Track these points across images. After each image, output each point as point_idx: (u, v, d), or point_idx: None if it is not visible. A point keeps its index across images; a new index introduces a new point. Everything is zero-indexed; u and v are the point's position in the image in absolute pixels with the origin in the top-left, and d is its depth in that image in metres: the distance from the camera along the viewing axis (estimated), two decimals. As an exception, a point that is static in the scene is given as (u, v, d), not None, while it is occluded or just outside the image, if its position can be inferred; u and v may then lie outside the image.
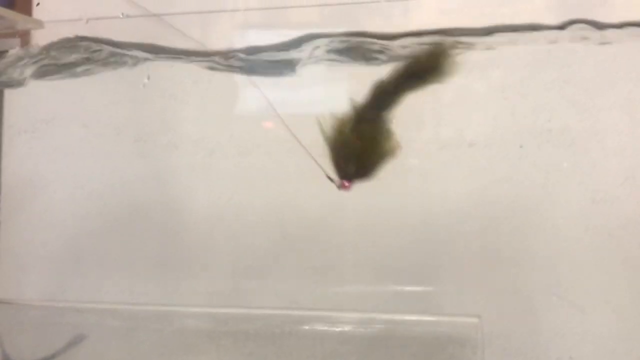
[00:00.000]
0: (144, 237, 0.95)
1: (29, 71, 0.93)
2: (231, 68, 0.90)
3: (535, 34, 0.78)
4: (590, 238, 0.81)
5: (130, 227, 0.95)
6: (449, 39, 0.68)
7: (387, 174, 0.85)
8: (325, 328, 0.85)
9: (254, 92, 0.91)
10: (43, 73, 0.94)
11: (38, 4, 0.95)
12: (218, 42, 0.91)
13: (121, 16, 0.89)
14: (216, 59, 0.90)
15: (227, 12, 0.92)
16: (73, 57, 0.93)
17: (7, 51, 0.94)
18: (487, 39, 0.81)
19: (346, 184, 0.63)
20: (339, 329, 0.85)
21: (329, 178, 0.63)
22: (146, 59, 0.92)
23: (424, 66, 0.66)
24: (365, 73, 0.87)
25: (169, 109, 0.93)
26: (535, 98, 0.80)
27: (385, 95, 0.65)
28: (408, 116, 0.86)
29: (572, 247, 0.82)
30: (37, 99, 0.96)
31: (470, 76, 0.82)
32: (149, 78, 0.92)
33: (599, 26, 0.76)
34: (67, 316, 0.91)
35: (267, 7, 0.90)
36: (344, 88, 0.90)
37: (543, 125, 0.80)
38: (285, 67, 0.87)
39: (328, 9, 0.87)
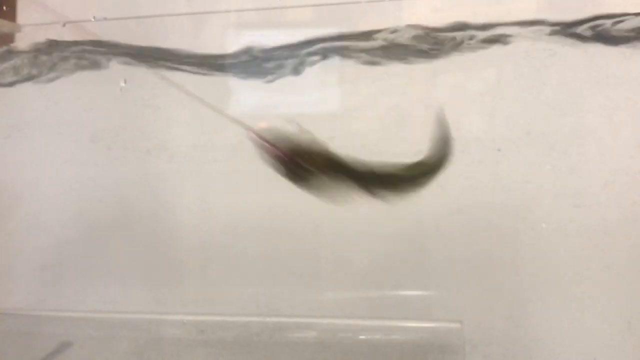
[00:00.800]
0: (123, 244, 0.94)
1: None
2: (210, 71, 0.89)
3: (513, 35, 0.77)
4: (572, 243, 0.80)
5: (108, 235, 0.94)
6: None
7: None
8: (304, 335, 0.84)
9: (234, 95, 0.90)
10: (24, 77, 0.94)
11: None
12: (203, 44, 0.89)
13: (93, 19, 0.88)
14: (195, 61, 0.89)
15: (215, 14, 0.91)
16: (46, 62, 0.92)
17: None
18: (468, 41, 0.80)
19: (282, 155, 0.64)
20: (318, 336, 0.84)
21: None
22: (123, 63, 0.91)
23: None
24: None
25: (145, 113, 0.91)
26: (513, 101, 0.79)
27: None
28: (385, 122, 0.85)
29: (554, 252, 0.80)
30: (9, 105, 0.95)
31: (448, 80, 0.80)
32: (125, 82, 0.91)
33: (577, 27, 0.74)
34: (46, 325, 0.91)
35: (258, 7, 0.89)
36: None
37: (522, 128, 0.78)
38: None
39: (320, 9, 0.85)
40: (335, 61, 0.85)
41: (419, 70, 0.82)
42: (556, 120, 0.77)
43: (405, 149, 0.83)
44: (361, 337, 0.84)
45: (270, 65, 0.86)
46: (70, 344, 0.88)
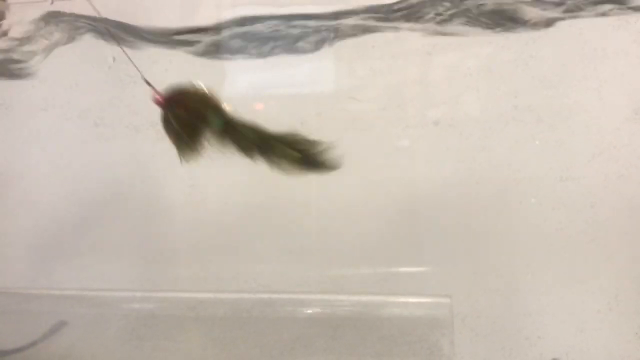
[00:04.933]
0: (114, 222, 0.94)
1: None
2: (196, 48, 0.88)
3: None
4: (558, 216, 0.80)
5: (100, 213, 0.94)
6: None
7: (358, 156, 0.85)
8: (295, 311, 0.84)
9: (227, 74, 0.89)
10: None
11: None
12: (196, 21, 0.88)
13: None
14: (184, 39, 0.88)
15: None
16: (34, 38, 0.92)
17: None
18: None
19: (159, 98, 0.62)
20: (308, 312, 0.84)
21: (147, 82, 0.62)
22: (113, 40, 0.90)
23: None
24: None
25: (136, 91, 0.90)
26: (500, 75, 0.78)
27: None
28: (372, 96, 0.85)
29: (541, 225, 0.81)
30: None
31: (433, 53, 0.79)
32: (114, 60, 0.90)
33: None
34: (38, 304, 0.91)
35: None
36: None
37: (508, 102, 0.78)
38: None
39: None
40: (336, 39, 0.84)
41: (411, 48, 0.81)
42: (543, 93, 0.77)
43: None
44: (351, 312, 0.84)
45: (264, 42, 0.85)
46: (65, 322, 0.88)
